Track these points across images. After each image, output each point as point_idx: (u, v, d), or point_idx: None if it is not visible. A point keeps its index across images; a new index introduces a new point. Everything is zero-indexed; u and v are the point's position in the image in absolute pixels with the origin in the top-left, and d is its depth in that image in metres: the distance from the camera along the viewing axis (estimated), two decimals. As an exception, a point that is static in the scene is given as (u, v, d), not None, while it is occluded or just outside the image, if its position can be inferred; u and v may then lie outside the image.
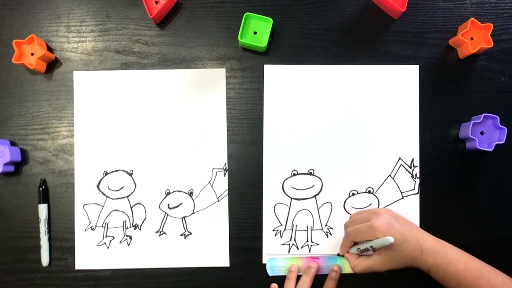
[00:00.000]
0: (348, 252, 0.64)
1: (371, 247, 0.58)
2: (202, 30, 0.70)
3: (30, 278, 0.67)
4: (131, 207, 0.68)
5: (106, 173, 0.68)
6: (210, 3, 0.70)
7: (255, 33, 0.68)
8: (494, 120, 0.65)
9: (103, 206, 0.68)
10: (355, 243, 0.63)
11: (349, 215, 0.67)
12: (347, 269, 0.65)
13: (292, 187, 0.68)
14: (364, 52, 0.69)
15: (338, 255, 0.66)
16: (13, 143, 0.69)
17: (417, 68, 0.69)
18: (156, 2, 0.68)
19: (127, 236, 0.68)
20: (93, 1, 0.71)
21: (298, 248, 0.67)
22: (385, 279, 0.66)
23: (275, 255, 0.67)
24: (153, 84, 0.69)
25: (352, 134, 0.68)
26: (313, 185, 0.68)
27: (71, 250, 0.68)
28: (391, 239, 0.55)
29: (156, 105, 0.69)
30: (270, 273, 0.66)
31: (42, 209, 0.67)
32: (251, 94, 0.69)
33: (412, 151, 0.68)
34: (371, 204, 0.68)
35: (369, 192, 0.68)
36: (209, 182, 0.68)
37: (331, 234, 0.68)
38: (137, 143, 0.69)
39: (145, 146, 0.69)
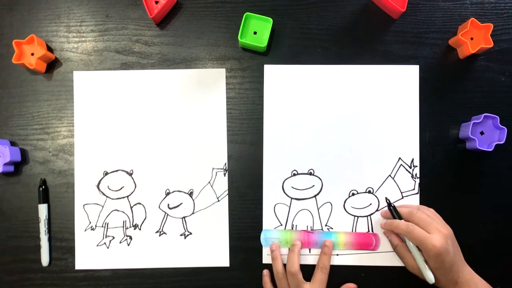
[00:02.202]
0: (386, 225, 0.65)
1: (420, 256, 0.60)
2: (202, 30, 0.70)
3: (30, 278, 0.67)
4: (131, 207, 0.68)
5: (106, 173, 0.69)
6: (210, 3, 0.70)
7: (255, 33, 0.68)
8: (494, 120, 0.65)
9: (103, 206, 0.68)
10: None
11: (349, 215, 0.67)
12: (341, 246, 0.66)
13: (292, 187, 0.68)
14: (364, 52, 0.69)
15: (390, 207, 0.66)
16: (13, 143, 0.69)
17: (417, 68, 0.69)
18: (156, 2, 0.68)
19: (127, 236, 0.68)
20: (93, 1, 0.71)
21: (298, 248, 0.67)
22: (385, 279, 0.66)
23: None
24: (153, 84, 0.69)
25: (352, 134, 0.68)
26: (313, 185, 0.68)
27: (71, 250, 0.68)
28: (432, 279, 0.58)
29: (156, 105, 0.69)
30: (264, 244, 0.67)
31: (42, 209, 0.67)
32: (251, 94, 0.69)
33: (412, 151, 0.68)
34: (371, 204, 0.68)
35: (369, 192, 0.68)
36: (209, 182, 0.68)
37: (331, 234, 0.68)
38: (137, 143, 0.69)
39: (145, 146, 0.69)
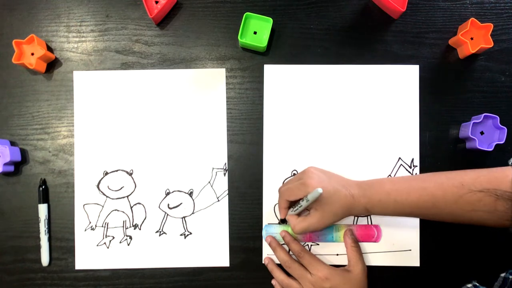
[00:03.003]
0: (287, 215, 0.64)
1: (307, 200, 0.58)
2: (202, 30, 0.70)
3: (30, 278, 0.67)
4: (131, 207, 0.68)
5: (106, 173, 0.69)
6: (210, 3, 0.70)
7: (255, 33, 0.68)
8: (494, 120, 0.65)
9: (103, 206, 0.68)
10: (291, 206, 0.63)
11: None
12: (342, 238, 0.66)
13: (292, 187, 0.68)
14: (364, 52, 0.69)
15: (280, 222, 0.67)
16: (13, 143, 0.69)
17: (417, 68, 0.69)
18: (156, 2, 0.68)
19: (127, 236, 0.68)
20: (93, 1, 0.71)
21: (298, 248, 0.67)
22: (385, 279, 0.66)
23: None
24: (153, 84, 0.69)
25: (352, 134, 0.68)
26: (313, 185, 0.68)
27: (71, 250, 0.68)
28: (319, 190, 0.55)
29: (156, 105, 0.69)
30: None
31: (42, 209, 0.67)
32: (251, 94, 0.69)
33: (412, 151, 0.68)
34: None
35: (369, 192, 0.68)
36: (209, 182, 0.68)
37: (331, 234, 0.68)
38: (137, 143, 0.69)
39: (145, 146, 0.69)
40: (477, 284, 0.59)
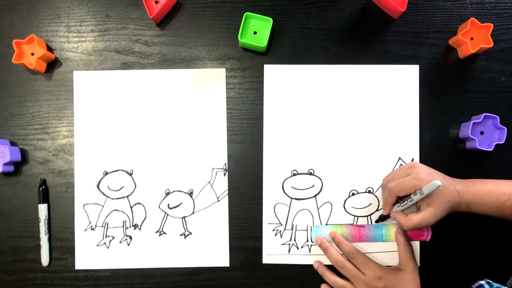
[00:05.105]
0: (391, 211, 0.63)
1: (421, 194, 0.57)
2: (202, 30, 0.70)
3: (30, 278, 0.67)
4: (131, 207, 0.68)
5: (106, 173, 0.69)
6: (210, 3, 0.70)
7: (255, 33, 0.68)
8: (494, 120, 0.65)
9: (103, 206, 0.68)
10: (396, 202, 0.62)
11: (349, 215, 0.67)
12: (392, 238, 0.65)
13: (292, 187, 0.68)
14: (364, 52, 0.69)
15: (378, 220, 0.66)
16: (13, 143, 0.69)
17: (417, 68, 0.69)
18: (156, 2, 0.68)
19: (127, 236, 0.68)
20: (93, 1, 0.71)
21: (298, 248, 0.67)
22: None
23: (275, 255, 0.67)
24: (153, 84, 0.69)
25: (352, 134, 0.68)
26: (313, 185, 0.68)
27: (71, 250, 0.68)
28: (438, 182, 0.55)
29: (156, 105, 0.69)
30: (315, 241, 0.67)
31: (42, 209, 0.67)
32: (251, 94, 0.69)
33: (412, 151, 0.68)
34: (371, 204, 0.68)
35: (369, 192, 0.68)
36: (209, 182, 0.68)
37: (331, 234, 0.68)
38: (137, 143, 0.69)
39: (145, 146, 0.69)
40: (490, 281, 0.59)
